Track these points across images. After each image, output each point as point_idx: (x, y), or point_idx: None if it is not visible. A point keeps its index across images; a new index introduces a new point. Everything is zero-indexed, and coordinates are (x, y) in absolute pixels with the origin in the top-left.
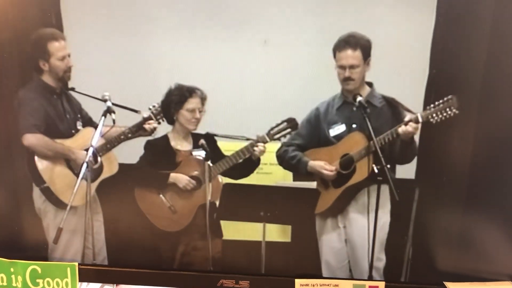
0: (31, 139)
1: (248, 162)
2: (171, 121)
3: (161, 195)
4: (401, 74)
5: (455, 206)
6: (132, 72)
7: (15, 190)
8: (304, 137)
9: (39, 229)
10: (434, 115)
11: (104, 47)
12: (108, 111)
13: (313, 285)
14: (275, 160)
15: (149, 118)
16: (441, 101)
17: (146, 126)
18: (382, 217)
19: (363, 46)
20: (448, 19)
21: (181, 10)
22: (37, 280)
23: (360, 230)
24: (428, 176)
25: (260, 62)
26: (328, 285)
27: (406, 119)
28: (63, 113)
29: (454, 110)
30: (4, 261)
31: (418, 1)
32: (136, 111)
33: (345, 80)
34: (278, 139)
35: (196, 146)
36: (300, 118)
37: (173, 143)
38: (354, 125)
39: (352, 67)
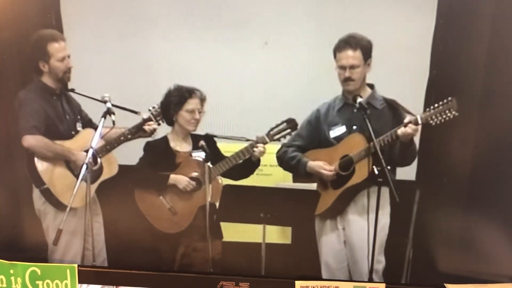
0: (31, 140)
1: (248, 163)
2: (170, 122)
3: (161, 197)
4: (402, 75)
5: (455, 208)
6: (132, 73)
7: (15, 191)
8: (304, 138)
9: (38, 231)
10: (433, 117)
11: (104, 48)
12: (108, 112)
13: (314, 287)
14: (275, 162)
15: (149, 119)
16: (440, 103)
17: (146, 127)
18: (382, 219)
19: (363, 47)
20: (448, 20)
21: (181, 11)
22: (37, 282)
23: (359, 232)
24: (428, 177)
25: (260, 63)
26: (328, 287)
27: (406, 120)
28: (63, 114)
29: (453, 112)
30: (4, 263)
31: (419, 2)
32: (136, 112)
33: (345, 81)
34: (278, 139)
35: (195, 147)
36: (300, 119)
37: (172, 144)
38: (354, 127)
39: (352, 67)
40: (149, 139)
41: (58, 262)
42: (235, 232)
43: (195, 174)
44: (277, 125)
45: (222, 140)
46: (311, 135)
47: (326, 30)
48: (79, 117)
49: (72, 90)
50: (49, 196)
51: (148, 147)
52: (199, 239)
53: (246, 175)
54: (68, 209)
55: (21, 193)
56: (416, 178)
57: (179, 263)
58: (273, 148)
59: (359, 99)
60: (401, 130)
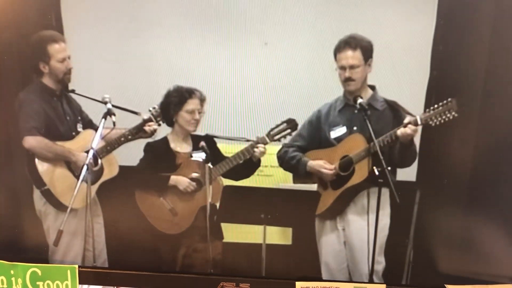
0: (32, 141)
1: (249, 163)
2: (170, 123)
3: (161, 198)
4: (402, 75)
5: (456, 208)
6: (132, 74)
7: (16, 192)
8: (305, 139)
9: (39, 232)
10: (433, 117)
11: (104, 49)
12: (109, 113)
13: None
14: (275, 162)
15: (149, 120)
16: (440, 103)
17: (146, 128)
18: (382, 220)
19: (363, 47)
20: (448, 20)
21: (181, 12)
22: (37, 283)
23: (359, 233)
24: (429, 178)
25: (260, 64)
26: (329, 287)
27: (405, 121)
28: (63, 115)
29: (453, 113)
30: (5, 264)
31: (419, 3)
32: (136, 113)
33: (346, 81)
34: (278, 140)
35: (196, 148)
36: (300, 119)
37: (172, 145)
38: (355, 127)
39: (352, 67)
40: (150, 140)
41: (59, 263)
42: (236, 233)
43: (195, 175)
44: (277, 126)
45: (222, 140)
46: (312, 136)
47: (326, 31)
48: (79, 118)
49: (73, 91)
50: (50, 197)
51: (148, 148)
52: (200, 240)
53: (246, 176)
54: (68, 210)
55: (21, 194)
56: (417, 179)
57: (179, 264)
58: (273, 149)
59: (359, 100)
60: (400, 131)
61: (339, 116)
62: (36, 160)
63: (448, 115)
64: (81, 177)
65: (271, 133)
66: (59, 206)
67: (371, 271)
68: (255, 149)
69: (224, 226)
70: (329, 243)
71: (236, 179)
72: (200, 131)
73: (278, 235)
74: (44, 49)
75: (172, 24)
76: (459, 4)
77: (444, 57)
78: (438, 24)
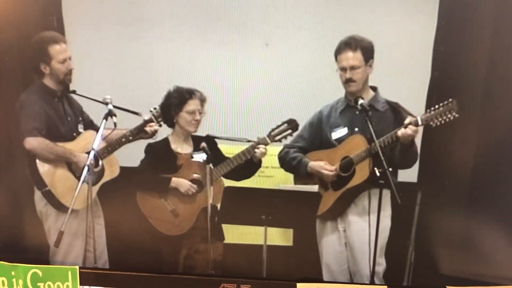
0: (33, 142)
1: (250, 164)
2: (171, 124)
3: (163, 199)
4: (403, 76)
5: (457, 209)
6: (133, 75)
7: (17, 193)
8: (306, 140)
9: (40, 233)
10: (434, 118)
11: (105, 49)
12: (110, 114)
13: None
14: (276, 163)
15: (150, 121)
16: (441, 104)
17: (147, 128)
18: (383, 221)
19: (364, 48)
20: (449, 21)
21: (182, 13)
22: (38, 284)
23: (360, 234)
24: (430, 179)
25: (261, 65)
26: None
27: (406, 121)
28: (64, 116)
29: (454, 114)
30: (5, 265)
31: (420, 4)
32: (137, 114)
33: (346, 82)
34: (279, 140)
35: (196, 149)
36: (300, 120)
37: (173, 146)
38: (356, 129)
39: (353, 68)
40: (150, 140)
41: (60, 264)
42: (237, 234)
43: (196, 176)
44: (278, 126)
45: (223, 141)
46: (313, 137)
47: (327, 32)
48: (80, 118)
49: (74, 92)
50: (51, 198)
51: (149, 149)
52: (201, 241)
53: (247, 176)
54: (69, 211)
55: (22, 195)
56: (418, 180)
57: (180, 265)
58: (274, 150)
59: (360, 101)
60: (401, 131)
61: (340, 117)
62: (37, 161)
63: (449, 115)
64: (82, 178)
65: (272, 133)
66: (60, 207)
67: (372, 273)
68: (256, 150)
69: (225, 227)
70: (330, 244)
71: (237, 180)
72: (201, 132)
73: (279, 236)
74: (45, 50)
75: (173, 24)
76: (460, 4)
77: (445, 57)
78: (439, 25)
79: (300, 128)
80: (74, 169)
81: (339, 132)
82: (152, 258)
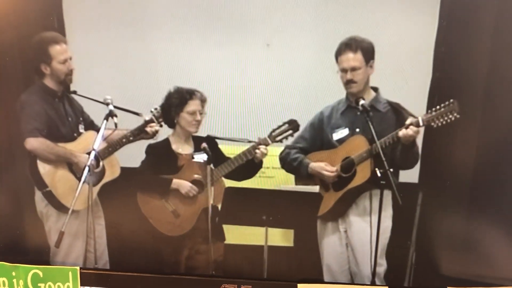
0: (34, 143)
1: (251, 164)
2: (171, 125)
3: (163, 200)
4: (405, 77)
5: (458, 210)
6: (134, 75)
7: (17, 194)
8: (307, 141)
9: (41, 233)
10: (435, 119)
11: (106, 50)
12: (110, 114)
13: None
14: (277, 164)
15: (151, 121)
16: (442, 105)
17: (148, 129)
18: (384, 222)
19: (364, 49)
20: (451, 22)
21: (183, 14)
22: (39, 284)
23: (361, 234)
24: (431, 180)
25: (262, 65)
26: None
27: (407, 122)
28: (65, 116)
29: (455, 115)
30: (6, 265)
31: (421, 4)
32: (138, 114)
33: (347, 83)
34: (280, 141)
35: (197, 149)
36: (301, 121)
37: (174, 146)
38: (357, 129)
39: (353, 69)
40: (151, 141)
41: (60, 265)
42: (238, 234)
43: (197, 176)
44: (279, 127)
45: (224, 141)
46: (314, 137)
47: (328, 32)
48: (81, 119)
49: (74, 92)
50: (51, 199)
51: (150, 149)
52: (202, 242)
53: (249, 176)
54: (70, 211)
55: (23, 196)
56: (419, 181)
57: (181, 265)
58: (275, 151)
59: (361, 101)
60: (402, 132)
61: (341, 118)
62: (38, 161)
63: (450, 116)
64: (82, 179)
65: (273, 134)
66: (61, 208)
67: (373, 273)
68: (257, 150)
69: (226, 227)
70: (331, 245)
71: (239, 180)
72: (202, 132)
73: (280, 237)
74: (45, 51)
75: (173, 25)
76: (461, 5)
77: (446, 58)
78: (441, 25)
79: (301, 129)
80: (75, 169)
81: (340, 133)
82: (153, 258)
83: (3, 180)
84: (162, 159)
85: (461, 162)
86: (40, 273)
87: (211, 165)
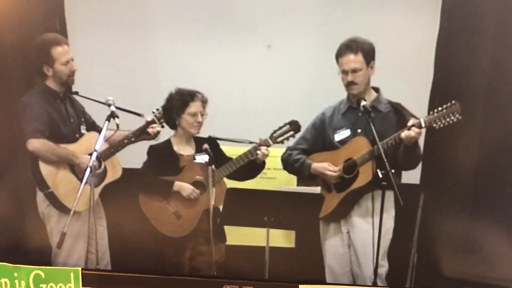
0: (36, 144)
1: (253, 165)
2: (173, 126)
3: (165, 201)
4: (406, 78)
5: (460, 211)
6: (135, 76)
7: (19, 195)
8: (309, 142)
9: (42, 234)
10: (437, 120)
11: (108, 51)
12: (112, 115)
13: None
14: (279, 165)
15: (153, 122)
16: (444, 106)
17: (150, 129)
18: (386, 223)
19: (365, 50)
20: (452, 22)
21: (184, 15)
22: (41, 285)
23: (363, 235)
24: (433, 181)
25: (263, 66)
26: None
27: (409, 123)
28: (66, 117)
29: (457, 116)
30: (8, 266)
31: (422, 6)
32: (139, 115)
33: (348, 85)
34: (281, 142)
35: (199, 150)
36: (303, 122)
37: (176, 147)
38: (359, 130)
39: (354, 71)
40: (153, 142)
41: (62, 265)
42: (239, 235)
43: (199, 177)
44: (280, 128)
45: (225, 142)
46: (316, 139)
47: (329, 33)
48: (83, 119)
49: (76, 93)
50: (53, 200)
51: (151, 151)
52: (203, 243)
53: (251, 177)
54: (72, 212)
55: (25, 197)
56: (421, 182)
57: (182, 266)
58: (276, 152)
59: (363, 102)
60: (404, 133)
61: (343, 119)
62: (40, 162)
63: (452, 117)
64: (84, 180)
65: (274, 135)
66: (63, 209)
67: (375, 274)
68: (258, 151)
69: (228, 228)
70: (333, 246)
71: (240, 180)
72: (203, 133)
73: (281, 238)
74: (47, 52)
75: (175, 26)
76: (463, 6)
77: (447, 59)
78: (442, 26)
79: (302, 129)
80: (76, 170)
81: (342, 134)
82: (155, 259)
83: (5, 181)
84: (163, 160)
85: (463, 163)
86: (42, 274)
87: (213, 166)
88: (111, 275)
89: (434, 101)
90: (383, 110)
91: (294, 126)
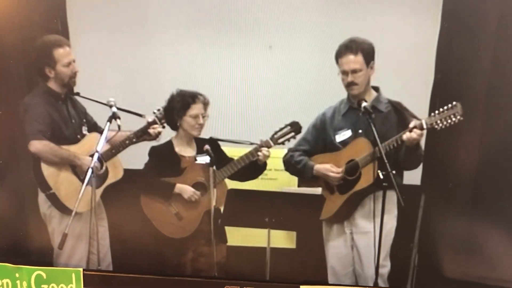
0: (38, 145)
1: (254, 166)
2: (174, 127)
3: (167, 202)
4: (407, 79)
5: (461, 212)
6: (136, 77)
7: (21, 196)
8: (310, 143)
9: (44, 235)
10: (438, 121)
11: (109, 52)
12: (114, 116)
13: None
14: (280, 166)
15: (154, 123)
16: (445, 107)
17: (151, 130)
18: (388, 223)
19: (365, 50)
20: (453, 23)
21: (185, 16)
22: (42, 286)
23: (366, 236)
24: (434, 182)
25: (264, 67)
26: None
27: (411, 125)
28: (68, 118)
29: (458, 117)
30: (9, 267)
31: (423, 6)
32: (140, 115)
33: (349, 85)
34: (282, 143)
35: (200, 151)
36: (304, 123)
37: (177, 149)
38: (360, 131)
39: (354, 71)
40: (154, 143)
41: (63, 266)
42: (240, 236)
43: (200, 179)
44: (281, 129)
45: (226, 143)
46: (317, 139)
47: (331, 34)
48: (84, 120)
49: (77, 94)
50: (55, 201)
51: (153, 152)
52: (204, 244)
53: (252, 178)
54: (73, 213)
55: (27, 198)
56: (422, 183)
57: (183, 267)
58: (277, 153)
59: (364, 104)
60: (406, 135)
61: (343, 120)
62: (42, 164)
63: (454, 119)
64: (85, 181)
65: (275, 136)
66: (64, 210)
67: (376, 275)
68: (259, 153)
69: (229, 229)
70: (336, 247)
71: (242, 180)
72: (204, 134)
73: (282, 239)
74: (49, 54)
75: (176, 28)
76: (463, 7)
77: (448, 60)
78: (443, 27)
79: (303, 131)
80: (78, 172)
81: (343, 135)
82: (156, 260)
83: (7, 182)
84: (165, 161)
85: (464, 164)
86: (44, 275)
87: (214, 167)
88: (113, 276)
89: (435, 102)
90: (383, 110)
91: (295, 127)
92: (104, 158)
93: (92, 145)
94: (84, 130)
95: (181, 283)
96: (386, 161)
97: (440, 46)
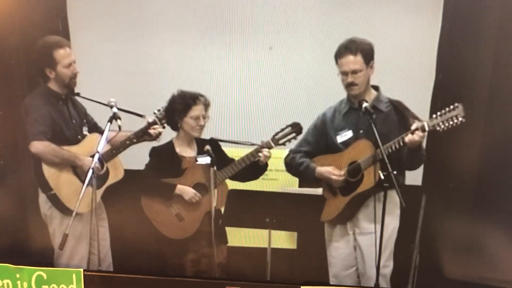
0: (39, 146)
1: (255, 167)
2: (175, 128)
3: (167, 203)
4: (408, 79)
5: (462, 213)
6: (137, 77)
7: (22, 196)
8: (311, 144)
9: (45, 235)
10: (440, 123)
11: (110, 53)
12: (114, 117)
13: None
14: (281, 167)
15: (154, 123)
16: (447, 109)
17: (151, 131)
18: (391, 224)
19: (364, 50)
20: (454, 24)
21: (186, 17)
22: (43, 286)
23: (369, 237)
24: (435, 182)
25: (265, 68)
26: None
27: (413, 127)
28: (69, 119)
29: (460, 119)
30: (10, 267)
31: (424, 6)
32: (141, 116)
33: (348, 86)
34: (283, 144)
35: (201, 152)
36: (304, 123)
37: (178, 149)
38: (361, 131)
39: (354, 72)
40: (155, 143)
41: (64, 267)
42: (241, 237)
43: (200, 180)
44: (282, 130)
45: (227, 144)
46: (318, 140)
47: (331, 35)
48: (85, 121)
49: (78, 94)
50: (56, 201)
51: (154, 152)
52: (205, 244)
53: (253, 178)
54: (74, 214)
55: (27, 198)
56: (423, 183)
57: (184, 268)
58: (278, 153)
59: (364, 104)
60: (408, 138)
61: (344, 120)
62: (43, 164)
63: (456, 120)
64: (86, 182)
65: (276, 137)
66: (65, 210)
67: (377, 275)
68: (260, 154)
69: (229, 230)
70: (338, 248)
71: (243, 181)
72: (205, 135)
73: (283, 239)
74: (50, 55)
75: (176, 28)
76: (464, 7)
77: (450, 61)
78: (444, 27)
79: (304, 131)
80: (79, 172)
81: (344, 135)
82: (156, 261)
83: (8, 183)
84: (166, 161)
85: (465, 165)
86: (44, 275)
87: (215, 168)
88: (113, 276)
89: (436, 103)
90: (384, 109)
91: (296, 128)
92: (105, 158)
93: (92, 146)
94: (85, 130)
95: (182, 284)
96: (387, 161)
97: (441, 46)
